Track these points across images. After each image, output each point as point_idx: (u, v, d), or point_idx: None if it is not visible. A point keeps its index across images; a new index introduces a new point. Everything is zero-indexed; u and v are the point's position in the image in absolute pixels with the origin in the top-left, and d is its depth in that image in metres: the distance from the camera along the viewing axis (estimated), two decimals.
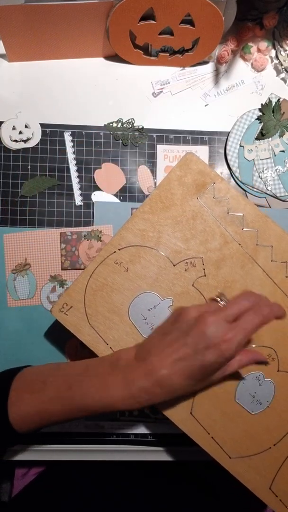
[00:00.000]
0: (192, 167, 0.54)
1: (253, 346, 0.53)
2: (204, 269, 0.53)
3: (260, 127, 0.64)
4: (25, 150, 0.62)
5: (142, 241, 0.53)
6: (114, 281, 0.53)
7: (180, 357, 0.43)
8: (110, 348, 0.52)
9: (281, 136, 0.64)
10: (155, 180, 0.63)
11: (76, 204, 0.62)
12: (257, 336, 0.52)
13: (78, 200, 0.62)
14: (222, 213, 0.54)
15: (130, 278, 0.53)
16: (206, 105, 0.65)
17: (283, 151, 0.64)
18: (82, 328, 0.52)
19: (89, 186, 0.63)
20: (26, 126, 0.62)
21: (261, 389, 0.52)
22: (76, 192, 0.62)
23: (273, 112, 0.64)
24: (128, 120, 0.63)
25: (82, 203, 0.62)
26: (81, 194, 0.62)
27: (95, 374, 0.46)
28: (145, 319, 0.52)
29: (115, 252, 0.53)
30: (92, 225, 0.62)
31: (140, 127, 0.63)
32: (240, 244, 0.54)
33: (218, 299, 0.48)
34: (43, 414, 0.45)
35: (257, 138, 0.64)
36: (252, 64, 0.65)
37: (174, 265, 0.53)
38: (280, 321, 0.47)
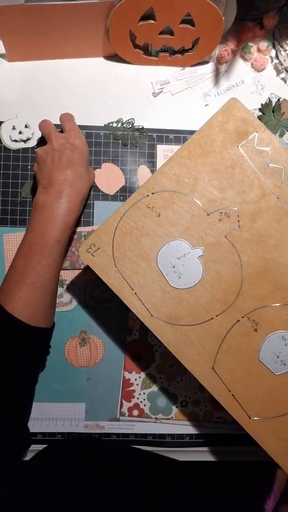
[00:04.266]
0: (235, 114, 0.52)
1: (278, 304, 0.51)
2: (238, 221, 0.51)
3: None
4: (25, 150, 0.62)
5: (177, 186, 0.51)
6: (144, 225, 0.51)
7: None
8: (135, 293, 0.51)
9: (281, 136, 0.64)
10: None
11: None
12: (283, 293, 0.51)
13: None
14: (262, 164, 0.52)
15: (161, 224, 0.51)
16: (206, 105, 0.65)
17: None
18: (108, 270, 0.51)
19: None
20: (26, 126, 0.62)
21: (287, 350, 0.50)
22: None
23: (273, 112, 0.64)
24: (128, 120, 0.63)
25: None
26: None
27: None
28: (174, 267, 0.51)
29: (148, 195, 0.51)
30: (92, 225, 0.62)
31: (140, 127, 0.63)
32: (278, 198, 0.51)
33: None
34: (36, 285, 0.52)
35: None
36: (252, 64, 0.65)
37: (208, 214, 0.51)
38: None
